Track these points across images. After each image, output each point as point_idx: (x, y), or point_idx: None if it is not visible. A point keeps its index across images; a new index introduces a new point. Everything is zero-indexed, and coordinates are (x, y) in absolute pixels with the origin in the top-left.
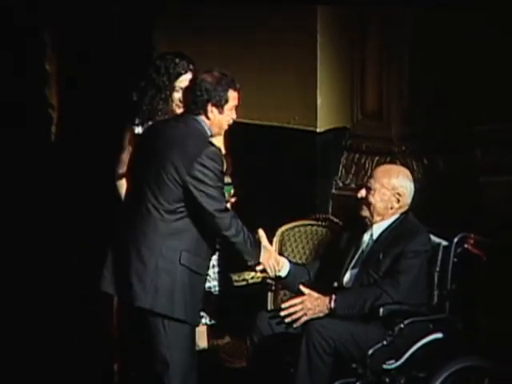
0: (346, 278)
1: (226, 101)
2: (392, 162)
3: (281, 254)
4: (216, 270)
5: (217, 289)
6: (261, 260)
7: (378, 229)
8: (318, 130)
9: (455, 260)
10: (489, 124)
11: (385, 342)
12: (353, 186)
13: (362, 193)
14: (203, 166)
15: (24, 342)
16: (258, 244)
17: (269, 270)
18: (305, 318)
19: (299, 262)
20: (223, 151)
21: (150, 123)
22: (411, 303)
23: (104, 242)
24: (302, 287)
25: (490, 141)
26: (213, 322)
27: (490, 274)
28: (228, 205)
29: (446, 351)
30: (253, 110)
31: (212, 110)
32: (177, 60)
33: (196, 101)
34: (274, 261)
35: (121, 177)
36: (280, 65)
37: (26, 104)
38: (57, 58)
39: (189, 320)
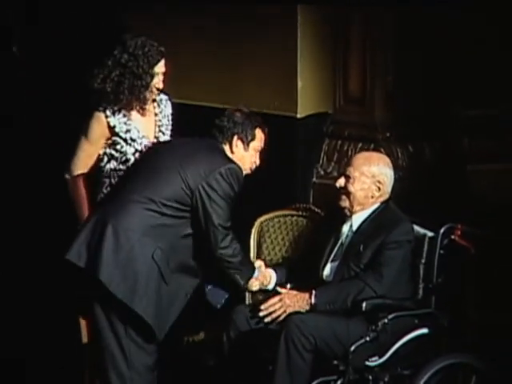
0: (326, 271)
1: (253, 138)
2: (376, 149)
3: (259, 245)
4: None
5: None
6: (254, 278)
7: (357, 219)
8: (298, 116)
9: (441, 252)
10: (476, 110)
11: (368, 338)
12: (335, 174)
13: (341, 182)
14: (223, 178)
15: None
16: (250, 266)
17: (257, 288)
18: (284, 316)
19: (278, 253)
20: None
21: (123, 113)
22: (395, 297)
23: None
24: (278, 288)
25: (478, 127)
26: None
27: (477, 266)
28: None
29: (432, 347)
30: (230, 95)
31: (237, 145)
32: (151, 44)
33: (223, 131)
34: (264, 276)
35: (77, 169)
36: (259, 47)
37: None
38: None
39: (148, 318)
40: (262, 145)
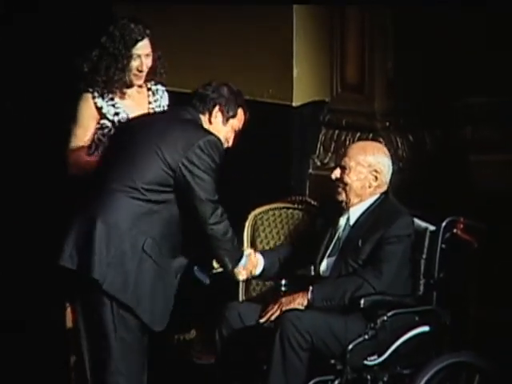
0: (323, 266)
1: (234, 115)
2: (374, 138)
3: (253, 240)
4: None
5: None
6: (241, 267)
7: (355, 212)
8: (293, 104)
9: (443, 246)
10: (480, 98)
11: (366, 336)
12: (332, 165)
13: (337, 173)
14: (203, 151)
15: None
16: (240, 249)
17: (244, 277)
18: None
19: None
20: None
21: (111, 96)
22: (395, 293)
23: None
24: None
25: (481, 116)
26: None
27: (481, 261)
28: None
29: (434, 346)
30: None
31: (217, 116)
32: (132, 25)
33: (204, 99)
34: (254, 266)
35: (73, 151)
36: (252, 33)
37: None
38: None
39: (143, 315)
40: (240, 126)
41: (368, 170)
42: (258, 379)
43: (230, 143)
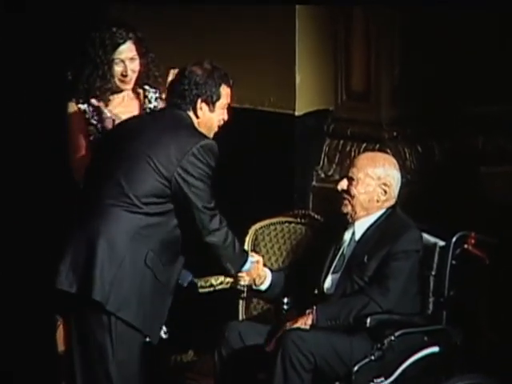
0: (327, 283)
1: (218, 97)
2: (381, 149)
3: None
4: None
5: None
6: (245, 272)
7: (360, 227)
8: (296, 113)
9: (453, 262)
10: (492, 106)
11: (372, 357)
12: (336, 177)
13: (343, 184)
14: (197, 159)
15: None
16: (243, 253)
17: (246, 283)
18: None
19: (274, 264)
20: None
21: (97, 103)
22: (403, 312)
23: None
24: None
25: (493, 125)
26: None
27: (493, 278)
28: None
29: (443, 368)
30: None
31: (202, 107)
32: (113, 29)
33: (184, 95)
34: (258, 275)
35: (76, 161)
36: (252, 36)
37: None
38: None
39: (145, 330)
40: (229, 100)
41: (377, 183)
42: None
43: (226, 118)
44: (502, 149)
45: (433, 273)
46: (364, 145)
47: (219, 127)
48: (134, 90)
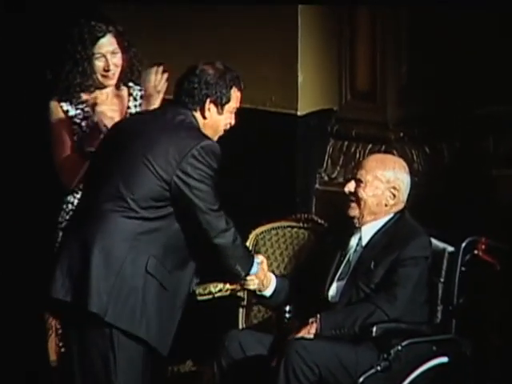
0: (332, 291)
1: (228, 100)
2: (388, 151)
3: None
4: None
5: None
6: (252, 275)
7: (367, 232)
8: (299, 113)
9: (463, 269)
10: (503, 106)
11: (379, 368)
12: (340, 180)
13: (350, 186)
14: (198, 160)
15: None
16: (251, 254)
17: (256, 286)
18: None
19: (276, 271)
20: None
21: (79, 101)
22: (410, 321)
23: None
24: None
25: (505, 126)
26: None
27: (504, 285)
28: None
29: (453, 378)
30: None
31: (210, 108)
32: (92, 23)
33: (192, 94)
34: (265, 276)
35: (62, 161)
36: (253, 34)
37: None
38: None
39: (151, 341)
40: (238, 105)
41: (386, 187)
42: None
43: (233, 122)
44: None
45: (441, 280)
46: (369, 146)
47: (224, 131)
48: (117, 86)
